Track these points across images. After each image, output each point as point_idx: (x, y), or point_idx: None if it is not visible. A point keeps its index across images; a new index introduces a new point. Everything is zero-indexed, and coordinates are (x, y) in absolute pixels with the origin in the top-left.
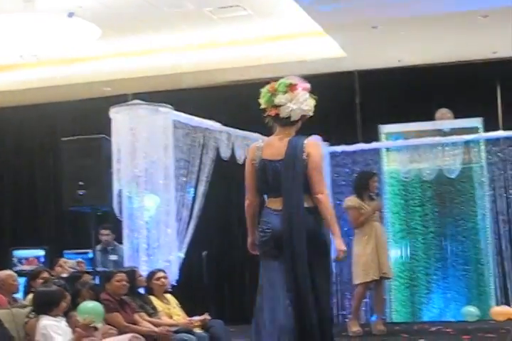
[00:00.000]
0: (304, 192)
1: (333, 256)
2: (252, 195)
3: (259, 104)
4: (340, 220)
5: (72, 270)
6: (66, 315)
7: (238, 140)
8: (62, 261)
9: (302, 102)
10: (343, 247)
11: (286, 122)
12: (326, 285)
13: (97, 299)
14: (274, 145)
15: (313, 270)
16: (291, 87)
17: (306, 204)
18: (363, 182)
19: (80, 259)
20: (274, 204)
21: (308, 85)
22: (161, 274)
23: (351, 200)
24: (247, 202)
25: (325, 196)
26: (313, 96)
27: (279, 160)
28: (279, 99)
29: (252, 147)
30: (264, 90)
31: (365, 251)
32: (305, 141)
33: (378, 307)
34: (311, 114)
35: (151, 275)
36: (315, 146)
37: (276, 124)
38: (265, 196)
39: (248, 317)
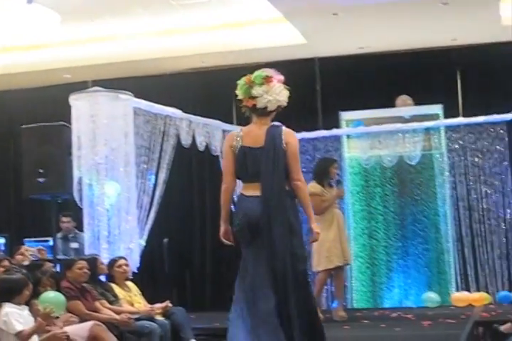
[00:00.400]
0: (285, 177)
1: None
2: (230, 179)
3: (220, 91)
4: (299, 207)
5: (33, 258)
6: (27, 303)
7: (199, 127)
8: (23, 248)
9: (278, 93)
10: (319, 230)
11: (263, 112)
12: (303, 265)
13: (58, 287)
14: (253, 134)
15: (294, 250)
16: (267, 79)
17: (287, 187)
18: (324, 168)
19: (40, 247)
20: (251, 189)
21: (282, 77)
22: (122, 261)
23: (314, 187)
24: (224, 186)
25: (303, 183)
26: (287, 87)
27: (259, 147)
28: (256, 90)
29: (230, 135)
30: (241, 82)
31: (327, 237)
32: (283, 130)
33: (339, 293)
34: (285, 104)
35: (113, 262)
36: (292, 136)
37: (253, 114)
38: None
39: (209, 304)
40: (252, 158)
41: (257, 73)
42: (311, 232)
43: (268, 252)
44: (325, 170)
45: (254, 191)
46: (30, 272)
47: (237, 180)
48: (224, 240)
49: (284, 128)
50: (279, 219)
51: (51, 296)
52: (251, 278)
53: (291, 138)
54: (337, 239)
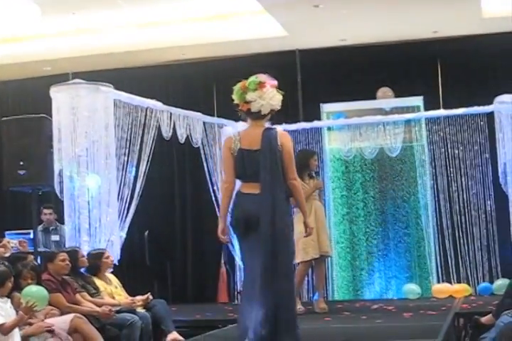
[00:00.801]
0: (283, 175)
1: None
2: (231, 180)
3: (201, 84)
4: None
5: (14, 250)
6: (8, 296)
7: (179, 119)
8: (5, 240)
9: (271, 98)
10: (312, 225)
11: (258, 116)
12: (293, 256)
13: (39, 280)
14: (249, 137)
15: (288, 242)
16: (260, 85)
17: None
18: (304, 160)
19: (22, 239)
20: (251, 188)
21: (275, 82)
22: (108, 253)
23: None
24: (225, 186)
25: (298, 182)
26: (280, 91)
27: (256, 149)
28: (250, 96)
29: (228, 138)
30: (236, 88)
31: (304, 230)
32: (278, 133)
33: (319, 285)
34: (278, 108)
35: (101, 254)
36: (286, 137)
37: (248, 117)
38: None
39: (190, 296)
40: (250, 159)
41: (251, 79)
42: (305, 227)
43: (267, 245)
44: (305, 163)
45: (252, 189)
46: (11, 264)
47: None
48: (221, 237)
49: (278, 130)
50: (280, 216)
51: (34, 290)
52: (249, 268)
53: (286, 139)
54: (314, 231)
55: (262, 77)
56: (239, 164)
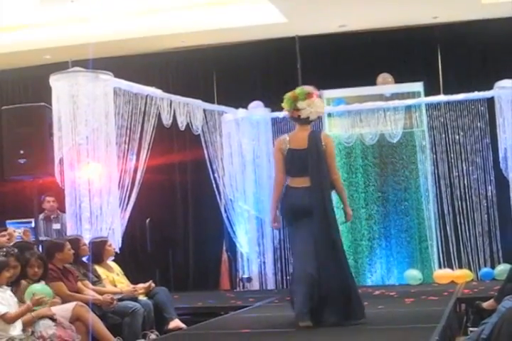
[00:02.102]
0: (327, 171)
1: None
2: (281, 176)
3: (201, 71)
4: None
5: (17, 239)
6: (14, 284)
7: (179, 107)
8: (10, 229)
9: (318, 106)
10: (351, 212)
11: (306, 121)
12: (340, 240)
13: (45, 268)
14: (297, 139)
15: (335, 229)
16: (309, 95)
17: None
18: None
19: (25, 228)
20: (298, 183)
21: (319, 92)
22: (110, 241)
23: None
24: (277, 181)
25: (339, 176)
26: (322, 99)
27: (303, 149)
28: (300, 104)
29: (279, 140)
30: (287, 97)
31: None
32: (321, 135)
33: None
34: (322, 114)
35: (102, 242)
36: (329, 138)
37: (296, 122)
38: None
39: (192, 284)
40: (298, 158)
41: (299, 90)
42: (345, 213)
43: (313, 229)
44: None
45: (301, 183)
46: (19, 253)
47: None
48: (273, 224)
49: (322, 132)
50: (329, 205)
51: (38, 288)
52: (300, 251)
53: (328, 140)
54: None
55: (308, 88)
56: (288, 162)
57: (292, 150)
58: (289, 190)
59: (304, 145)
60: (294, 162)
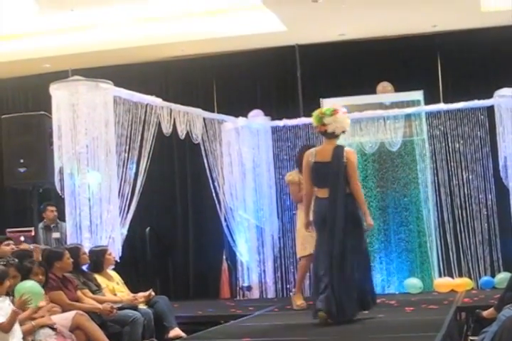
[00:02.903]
0: (345, 183)
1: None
2: (309, 187)
3: (201, 79)
4: (282, 195)
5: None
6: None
7: (179, 115)
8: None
9: (342, 122)
10: (372, 222)
11: (332, 136)
12: (361, 245)
13: (47, 275)
14: (323, 152)
15: (350, 235)
16: (334, 112)
17: (347, 191)
18: None
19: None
20: (323, 193)
21: (345, 109)
22: (110, 250)
23: (292, 175)
24: (305, 192)
25: (358, 186)
26: (347, 116)
27: (327, 162)
28: (327, 120)
29: (308, 153)
30: (315, 114)
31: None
32: (345, 150)
33: None
34: (347, 129)
35: (102, 251)
36: (351, 153)
37: (324, 136)
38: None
39: (192, 292)
40: (322, 170)
41: (326, 108)
42: (366, 223)
43: (330, 237)
44: None
45: (324, 194)
46: (19, 262)
47: None
48: (306, 230)
49: (345, 148)
50: (342, 214)
51: (28, 286)
52: (321, 254)
53: (350, 155)
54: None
55: (335, 106)
56: (314, 173)
57: (317, 163)
58: (316, 200)
59: (328, 159)
60: (319, 174)
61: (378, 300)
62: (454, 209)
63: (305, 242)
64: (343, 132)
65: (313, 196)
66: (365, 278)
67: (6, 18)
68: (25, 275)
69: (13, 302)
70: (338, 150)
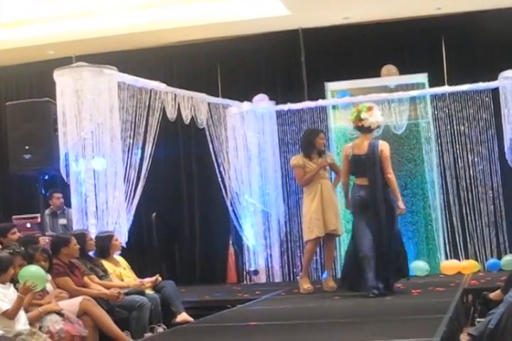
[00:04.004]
0: (381, 173)
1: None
2: (347, 178)
3: (205, 64)
4: (288, 179)
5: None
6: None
7: (184, 100)
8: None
9: (377, 117)
10: (403, 206)
11: (367, 130)
12: (394, 228)
13: (51, 262)
14: (360, 146)
15: (387, 219)
16: (369, 108)
17: (383, 180)
18: (310, 139)
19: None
20: (362, 181)
21: (377, 107)
22: (116, 235)
23: (296, 159)
24: (342, 181)
25: (392, 175)
26: (380, 112)
27: (364, 154)
28: (363, 115)
29: (346, 147)
30: (353, 110)
31: (310, 208)
32: (379, 142)
33: (328, 264)
34: (381, 124)
35: (109, 237)
36: (385, 146)
37: (360, 132)
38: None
39: (199, 277)
40: (360, 161)
41: (362, 105)
42: (398, 208)
43: (374, 219)
44: (311, 142)
45: (362, 182)
46: (24, 248)
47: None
48: (348, 208)
49: (380, 141)
50: (381, 200)
51: (32, 270)
52: (361, 235)
53: (384, 147)
54: (319, 210)
55: (369, 104)
56: (353, 165)
57: (355, 155)
58: (355, 187)
59: (365, 152)
60: (357, 165)
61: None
62: (459, 192)
63: (311, 226)
64: (378, 127)
65: (350, 184)
66: (401, 252)
67: (10, 4)
68: (28, 261)
69: (18, 289)
70: (374, 143)
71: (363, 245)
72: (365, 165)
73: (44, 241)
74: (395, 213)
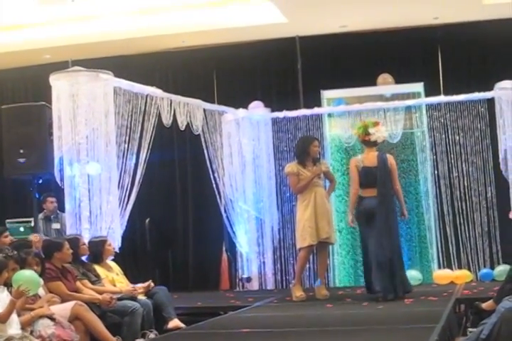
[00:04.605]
0: (391, 184)
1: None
2: (357, 187)
3: (201, 71)
4: (282, 186)
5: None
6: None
7: (180, 106)
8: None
9: (382, 132)
10: (406, 213)
11: (374, 144)
12: (398, 234)
13: (43, 266)
14: (369, 159)
15: (396, 229)
16: (376, 123)
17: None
18: (304, 147)
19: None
20: (368, 193)
21: (382, 122)
22: (109, 241)
23: (290, 166)
24: (353, 191)
25: (399, 187)
26: (385, 128)
27: (374, 166)
28: (371, 129)
29: (355, 159)
30: (360, 125)
31: (303, 216)
32: (387, 156)
33: (321, 272)
34: (385, 139)
35: (102, 242)
36: (392, 159)
37: (365, 145)
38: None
39: (191, 283)
40: (370, 173)
41: (368, 120)
42: (402, 215)
43: (384, 229)
44: (305, 149)
45: (369, 193)
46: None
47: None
48: (350, 224)
49: (387, 154)
50: (391, 210)
51: (26, 275)
52: (372, 245)
53: (392, 160)
54: (312, 218)
55: (375, 119)
56: (363, 177)
57: (366, 167)
58: (361, 198)
59: (375, 164)
60: (368, 177)
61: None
62: (453, 202)
63: (304, 234)
64: (383, 142)
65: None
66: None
67: (7, 8)
68: (20, 265)
69: (11, 292)
70: (382, 156)
71: (382, 251)
72: (375, 177)
73: (36, 238)
74: (397, 221)
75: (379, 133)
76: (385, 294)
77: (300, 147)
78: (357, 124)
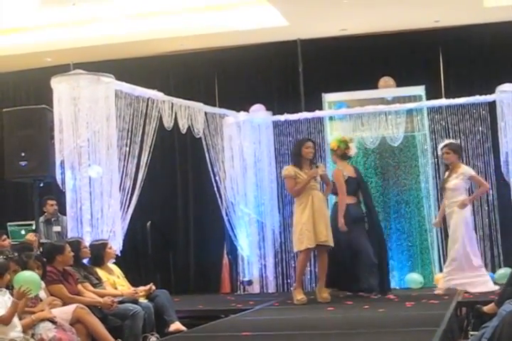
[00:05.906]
0: None
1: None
2: (346, 195)
3: (202, 74)
4: (283, 189)
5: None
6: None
7: (181, 109)
8: (29, 235)
9: (355, 148)
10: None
11: (348, 158)
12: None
13: (45, 269)
14: (349, 170)
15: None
16: (350, 140)
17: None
18: (297, 149)
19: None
20: (351, 200)
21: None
22: (110, 244)
23: (287, 169)
24: (343, 198)
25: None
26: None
27: (354, 177)
28: (351, 145)
29: (340, 170)
30: (340, 140)
31: (300, 219)
32: (358, 168)
33: (321, 275)
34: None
35: (103, 245)
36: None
37: (340, 159)
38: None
39: (193, 286)
40: (351, 183)
41: (342, 136)
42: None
43: (373, 229)
44: (297, 151)
45: (351, 200)
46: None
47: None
48: (342, 228)
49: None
50: (377, 215)
51: (27, 275)
52: (366, 244)
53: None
54: (310, 222)
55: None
56: (348, 186)
57: (350, 177)
58: (348, 205)
59: (354, 175)
60: (349, 185)
61: (379, 295)
62: None
63: (302, 237)
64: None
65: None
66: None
67: (8, 11)
68: (22, 268)
69: (12, 294)
70: (357, 169)
71: (370, 253)
72: (353, 186)
73: (32, 236)
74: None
75: (354, 148)
76: (375, 290)
77: (293, 149)
78: (336, 138)
